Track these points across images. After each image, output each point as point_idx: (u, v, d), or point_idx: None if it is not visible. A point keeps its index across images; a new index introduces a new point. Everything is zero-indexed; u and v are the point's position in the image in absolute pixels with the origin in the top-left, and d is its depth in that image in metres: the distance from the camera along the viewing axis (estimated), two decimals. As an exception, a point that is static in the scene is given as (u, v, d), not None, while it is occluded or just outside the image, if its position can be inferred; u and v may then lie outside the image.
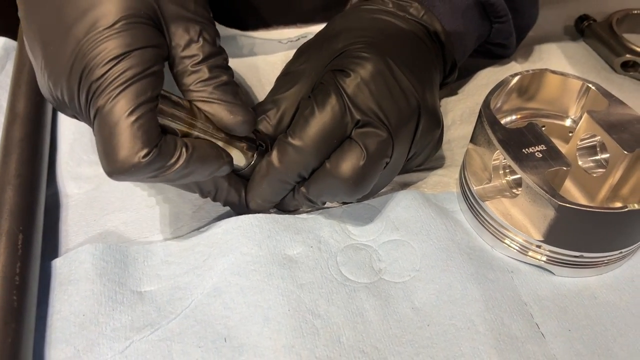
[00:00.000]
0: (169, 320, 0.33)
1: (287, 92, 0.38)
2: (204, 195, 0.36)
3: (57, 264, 0.35)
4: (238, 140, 0.35)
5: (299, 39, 0.54)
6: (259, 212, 0.37)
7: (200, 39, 0.34)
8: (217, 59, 0.34)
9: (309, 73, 0.38)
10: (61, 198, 0.40)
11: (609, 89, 0.51)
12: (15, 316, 0.30)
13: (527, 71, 0.41)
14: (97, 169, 0.42)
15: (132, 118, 0.29)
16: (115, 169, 0.30)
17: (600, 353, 0.33)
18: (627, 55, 0.52)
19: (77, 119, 0.36)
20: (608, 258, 0.35)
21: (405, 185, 0.42)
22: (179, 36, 0.33)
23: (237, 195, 0.37)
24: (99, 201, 0.40)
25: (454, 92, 0.51)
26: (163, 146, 0.30)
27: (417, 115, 0.37)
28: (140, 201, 0.40)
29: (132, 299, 0.34)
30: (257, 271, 0.35)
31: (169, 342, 0.32)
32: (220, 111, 0.33)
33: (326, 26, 0.44)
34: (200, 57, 0.33)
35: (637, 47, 0.52)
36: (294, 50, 0.43)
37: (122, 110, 0.29)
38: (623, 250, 0.35)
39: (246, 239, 0.36)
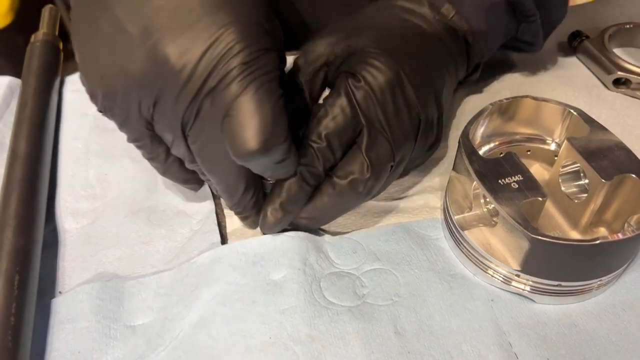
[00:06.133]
0: (158, 352, 0.34)
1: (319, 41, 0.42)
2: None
3: (57, 302, 0.37)
4: None
5: None
6: (275, 227, 0.39)
7: None
8: None
9: (332, 46, 0.41)
10: (59, 234, 0.41)
11: (601, 107, 0.52)
12: (9, 356, 0.31)
13: (507, 99, 0.41)
14: (93, 203, 0.44)
15: (278, 107, 0.33)
16: (262, 146, 0.32)
17: (577, 383, 0.33)
18: (619, 73, 0.52)
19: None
20: (587, 286, 0.36)
21: (391, 212, 0.43)
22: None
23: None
24: (95, 237, 0.41)
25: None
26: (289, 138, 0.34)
27: (417, 126, 0.39)
28: (134, 236, 0.41)
29: (125, 333, 0.35)
30: (241, 300, 0.36)
31: (157, 375, 0.33)
32: None
33: (357, 14, 0.45)
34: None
35: (629, 64, 0.52)
36: None
37: (273, 95, 0.33)
38: (603, 279, 0.36)
39: (232, 268, 0.37)
